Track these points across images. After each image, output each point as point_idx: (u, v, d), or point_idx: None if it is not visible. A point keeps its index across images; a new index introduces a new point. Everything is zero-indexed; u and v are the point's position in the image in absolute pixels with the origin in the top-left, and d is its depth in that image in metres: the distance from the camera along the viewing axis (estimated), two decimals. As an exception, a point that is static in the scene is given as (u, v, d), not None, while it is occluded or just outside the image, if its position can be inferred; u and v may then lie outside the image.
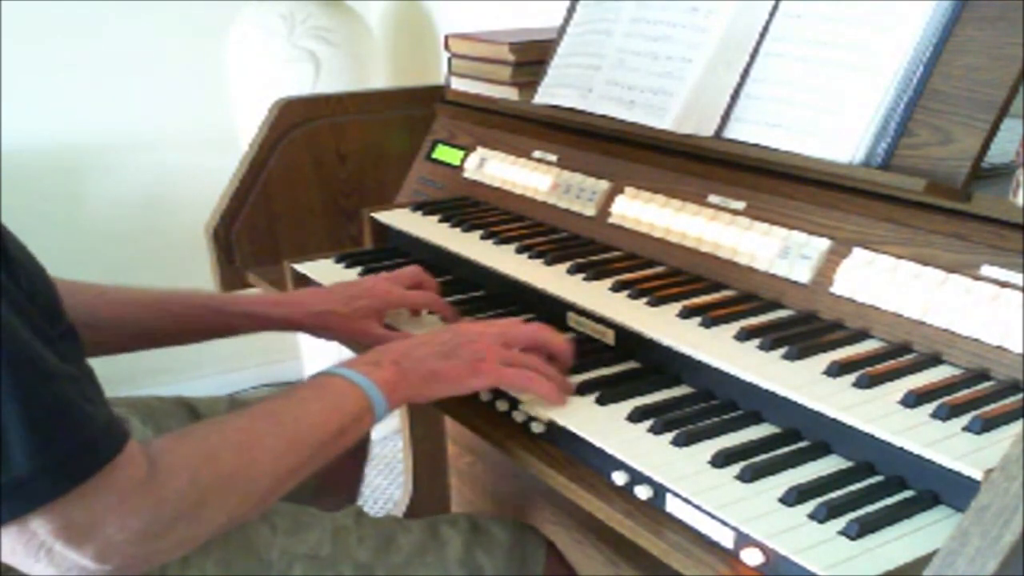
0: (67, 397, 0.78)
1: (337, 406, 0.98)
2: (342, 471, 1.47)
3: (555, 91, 1.52)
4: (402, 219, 1.56)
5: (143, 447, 0.83)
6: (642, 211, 1.34)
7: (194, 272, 1.99)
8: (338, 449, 0.98)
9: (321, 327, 1.27)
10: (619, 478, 0.94)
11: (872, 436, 0.88)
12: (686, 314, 1.13)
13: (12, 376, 0.75)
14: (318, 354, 2.73)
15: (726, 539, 0.85)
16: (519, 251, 1.37)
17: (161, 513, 0.82)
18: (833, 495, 0.86)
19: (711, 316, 1.11)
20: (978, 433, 0.86)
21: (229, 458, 0.88)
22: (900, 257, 1.05)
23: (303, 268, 1.50)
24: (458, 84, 1.76)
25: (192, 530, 0.85)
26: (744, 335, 1.06)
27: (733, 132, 1.27)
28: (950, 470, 0.83)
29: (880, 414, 0.90)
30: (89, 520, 0.78)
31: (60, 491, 0.76)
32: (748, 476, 0.89)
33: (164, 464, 0.83)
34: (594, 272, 1.26)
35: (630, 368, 1.13)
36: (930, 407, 0.90)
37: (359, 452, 1.55)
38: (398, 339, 1.12)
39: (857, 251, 1.09)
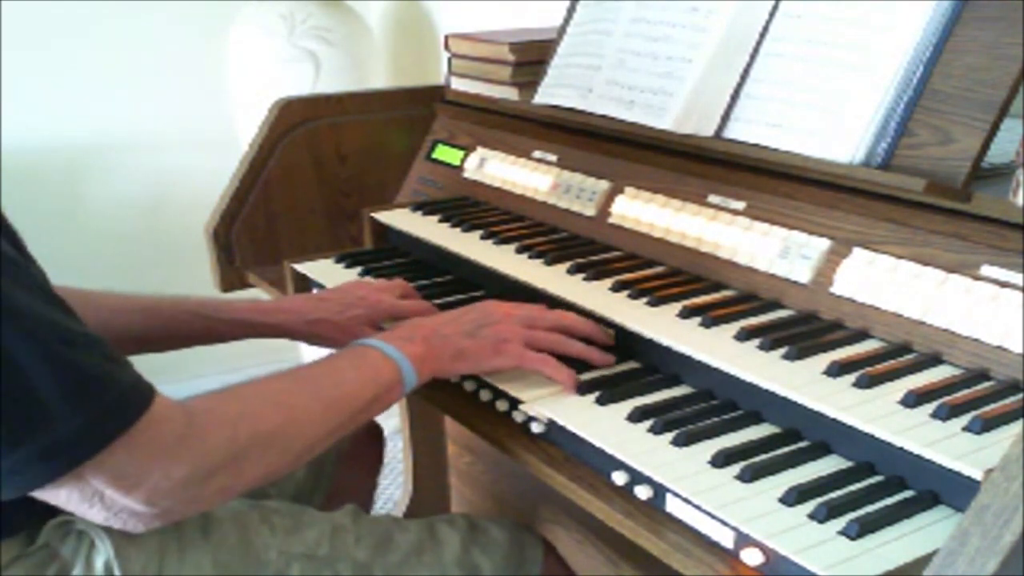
0: (92, 359, 0.84)
1: (371, 376, 1.03)
2: (355, 480, 1.47)
3: (555, 91, 1.52)
4: (402, 219, 1.56)
5: (180, 404, 0.89)
6: (642, 211, 1.34)
7: (194, 272, 1.99)
8: (369, 416, 1.04)
9: (315, 335, 1.27)
10: (619, 478, 0.94)
11: (872, 436, 0.88)
12: (686, 314, 1.13)
13: (38, 343, 0.80)
14: (318, 354, 2.73)
15: (726, 539, 0.85)
16: (519, 251, 1.37)
17: (202, 464, 0.87)
18: (833, 495, 0.86)
19: (711, 316, 1.11)
20: (978, 433, 0.86)
21: (268, 416, 0.93)
22: (900, 257, 1.05)
23: (303, 268, 1.50)
24: (458, 84, 1.76)
25: (232, 480, 0.91)
26: (744, 335, 1.06)
27: (733, 132, 1.27)
28: (950, 470, 0.83)
29: (880, 414, 0.90)
30: (135, 469, 0.84)
31: (102, 445, 0.82)
32: (748, 476, 0.89)
33: (203, 419, 0.89)
34: (594, 272, 1.26)
35: (630, 368, 1.13)
36: (930, 407, 0.90)
37: (373, 461, 1.55)
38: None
39: (857, 251, 1.09)
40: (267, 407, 0.94)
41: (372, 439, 1.54)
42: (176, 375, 2.81)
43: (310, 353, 2.95)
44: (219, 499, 0.93)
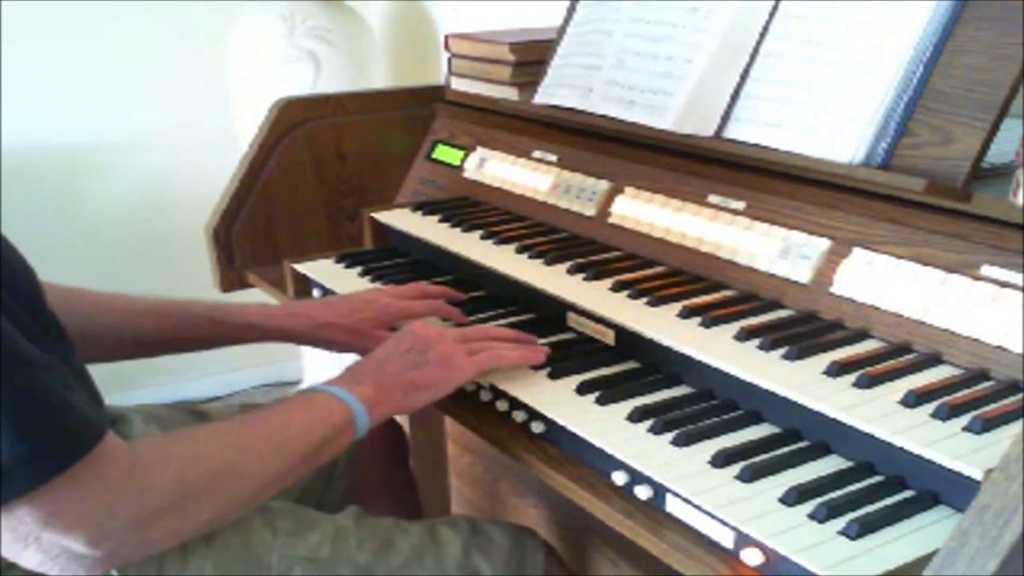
0: (45, 386, 0.79)
1: (321, 418, 1.00)
2: (382, 471, 1.47)
3: (555, 91, 1.52)
4: (402, 219, 1.56)
5: (128, 442, 0.85)
6: (642, 211, 1.34)
7: (194, 272, 1.99)
8: (321, 460, 1.01)
9: (322, 339, 1.27)
10: (619, 478, 0.94)
11: (872, 436, 0.88)
12: (686, 314, 1.13)
13: None
14: (318, 355, 2.73)
15: (726, 539, 0.85)
16: (519, 251, 1.37)
17: (147, 503, 0.84)
18: (833, 495, 0.86)
19: (711, 316, 1.11)
20: (978, 433, 0.86)
21: (216, 457, 0.91)
22: (900, 257, 1.05)
23: (303, 268, 1.50)
24: (458, 84, 1.76)
25: (180, 523, 0.88)
26: (744, 335, 1.06)
27: (733, 132, 1.27)
28: (950, 470, 0.83)
29: (880, 414, 0.90)
30: (76, 507, 0.79)
31: (43, 479, 0.77)
32: (748, 476, 0.89)
33: (149, 457, 0.86)
34: (594, 272, 1.26)
35: (630, 368, 1.13)
36: (930, 407, 0.90)
37: (395, 449, 1.53)
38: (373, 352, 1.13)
39: (857, 251, 1.09)
40: (215, 448, 0.92)
41: (385, 428, 1.52)
42: (176, 375, 2.82)
43: (311, 356, 2.96)
44: (167, 542, 0.90)
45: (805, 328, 1.08)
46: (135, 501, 0.83)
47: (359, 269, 1.47)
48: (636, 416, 1.00)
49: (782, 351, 1.03)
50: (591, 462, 0.99)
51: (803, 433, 0.97)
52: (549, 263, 1.32)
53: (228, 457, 0.92)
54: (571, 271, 1.28)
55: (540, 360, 1.12)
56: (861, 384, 0.95)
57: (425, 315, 1.27)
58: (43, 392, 0.79)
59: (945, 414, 0.88)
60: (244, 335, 1.27)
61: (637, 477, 0.93)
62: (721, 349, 1.05)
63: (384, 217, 1.58)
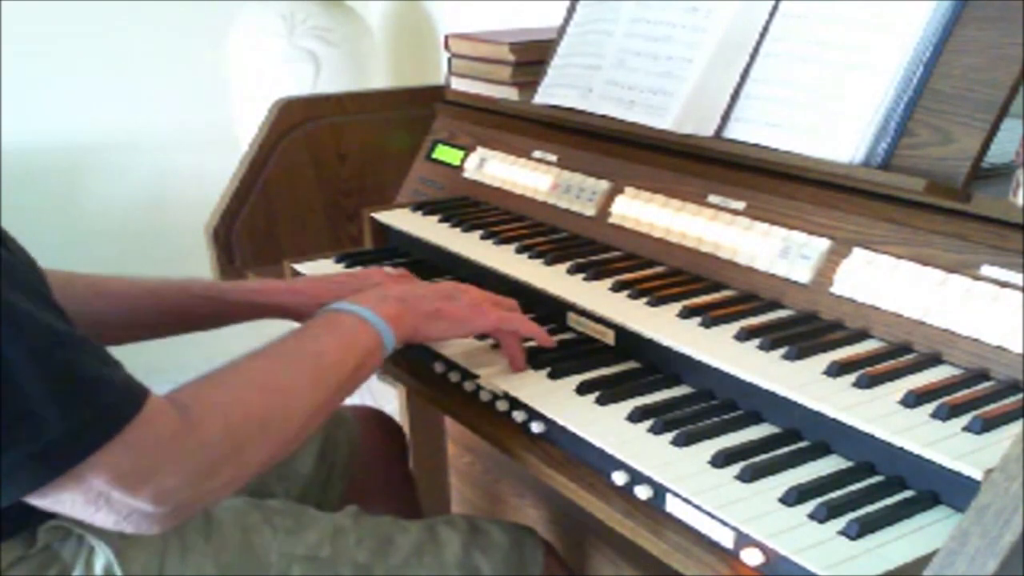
0: (81, 359, 0.82)
1: (351, 342, 1.01)
2: (379, 472, 1.47)
3: (555, 91, 1.52)
4: (402, 219, 1.56)
5: (170, 399, 0.87)
6: (642, 211, 1.34)
7: (194, 272, 1.99)
8: (356, 384, 1.02)
9: None
10: (619, 478, 0.94)
11: (872, 436, 0.88)
12: (686, 314, 1.13)
13: (26, 344, 0.78)
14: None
15: (726, 539, 0.85)
16: (519, 251, 1.37)
17: (205, 456, 0.86)
18: (833, 495, 0.86)
19: (711, 316, 1.11)
20: (978, 433, 0.86)
21: (258, 400, 0.92)
22: (900, 257, 1.05)
23: (303, 268, 1.50)
24: (458, 84, 1.76)
25: (237, 470, 0.89)
26: (744, 335, 1.06)
27: (733, 132, 1.27)
28: (950, 470, 0.83)
29: (880, 414, 0.90)
30: (139, 467, 0.82)
31: (96, 445, 0.79)
32: (748, 476, 0.89)
33: (196, 411, 0.87)
34: (594, 272, 1.26)
35: (630, 368, 1.13)
36: (930, 407, 0.90)
37: (393, 450, 1.53)
38: None
39: (857, 251, 1.09)
40: (254, 392, 0.92)
41: (384, 428, 1.52)
42: (176, 375, 2.82)
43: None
44: (228, 490, 0.91)
45: (805, 328, 1.08)
46: (192, 456, 0.85)
47: (359, 269, 1.47)
48: (636, 416, 1.00)
49: (782, 351, 1.03)
50: (591, 462, 0.99)
51: (803, 433, 0.97)
52: (549, 263, 1.32)
53: (269, 400, 0.92)
54: (571, 271, 1.28)
55: (551, 344, 1.16)
56: (861, 384, 0.95)
57: None
58: (84, 364, 0.81)
59: (945, 414, 0.88)
60: (244, 313, 1.26)
61: (637, 477, 0.93)
62: (721, 349, 1.05)
63: (384, 217, 1.58)
